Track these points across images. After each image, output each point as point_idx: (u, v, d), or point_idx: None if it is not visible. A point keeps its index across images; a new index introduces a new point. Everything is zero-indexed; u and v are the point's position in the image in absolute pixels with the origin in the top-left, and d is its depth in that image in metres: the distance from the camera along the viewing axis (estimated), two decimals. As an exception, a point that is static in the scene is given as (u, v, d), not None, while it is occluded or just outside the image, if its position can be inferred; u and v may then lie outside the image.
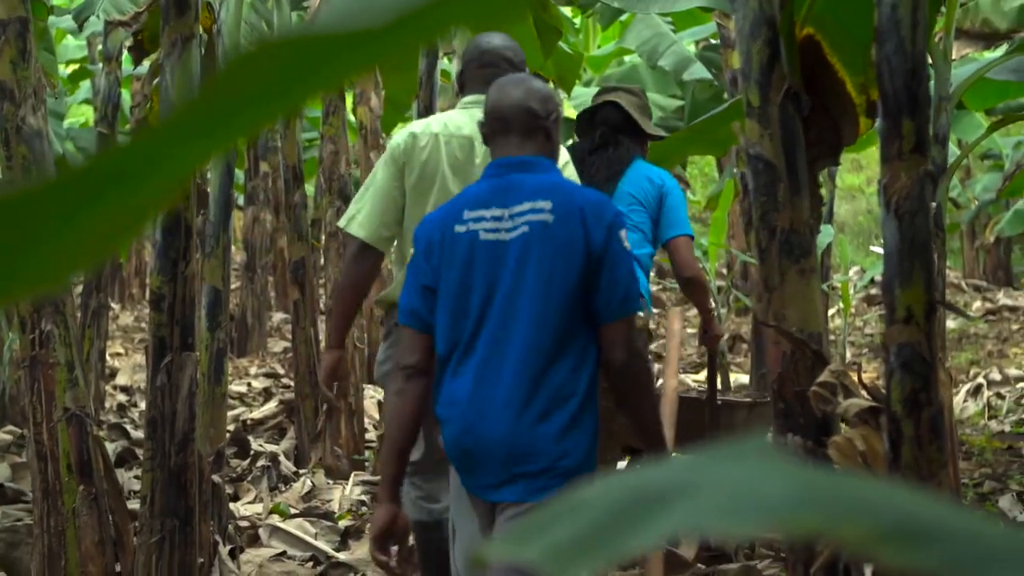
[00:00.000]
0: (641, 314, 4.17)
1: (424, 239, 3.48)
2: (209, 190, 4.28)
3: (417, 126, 4.43)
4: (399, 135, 4.41)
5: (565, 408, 3.26)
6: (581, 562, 0.79)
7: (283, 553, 5.19)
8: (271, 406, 8.58)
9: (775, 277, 2.96)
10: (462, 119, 4.32)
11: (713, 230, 9.58)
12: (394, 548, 3.44)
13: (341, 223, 4.50)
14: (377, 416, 8.01)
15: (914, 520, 0.76)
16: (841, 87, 3.16)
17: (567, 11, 10.56)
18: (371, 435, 7.65)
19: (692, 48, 12.01)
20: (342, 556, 5.16)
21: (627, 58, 14.39)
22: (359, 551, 5.22)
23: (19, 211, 0.62)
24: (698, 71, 10.03)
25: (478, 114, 3.70)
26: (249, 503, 5.96)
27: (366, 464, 7.24)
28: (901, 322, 2.60)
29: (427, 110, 7.36)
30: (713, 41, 11.84)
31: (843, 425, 2.96)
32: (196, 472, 3.91)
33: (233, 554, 4.46)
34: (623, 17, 10.95)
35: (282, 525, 5.45)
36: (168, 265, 3.83)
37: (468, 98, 4.35)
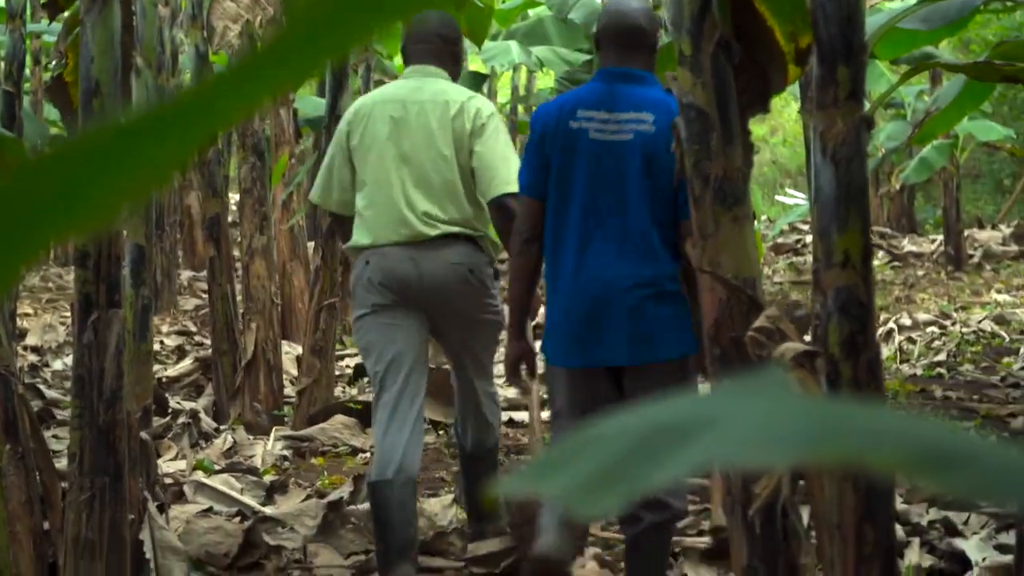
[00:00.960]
0: None
1: (540, 128, 4.30)
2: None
3: (360, 100, 5.32)
4: (351, 109, 5.25)
5: (665, 285, 4.07)
6: (604, 496, 0.80)
7: (209, 509, 5.19)
8: (186, 363, 8.55)
9: (709, 224, 2.99)
10: (397, 86, 5.19)
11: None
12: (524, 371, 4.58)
13: (311, 197, 5.38)
14: (295, 372, 7.99)
15: (941, 446, 0.78)
16: (770, 35, 3.18)
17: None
18: (289, 391, 7.63)
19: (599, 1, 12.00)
20: (268, 510, 5.16)
21: (531, 11, 14.37)
22: (285, 505, 5.23)
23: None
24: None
25: (413, 83, 4.99)
26: (171, 460, 5.95)
27: (285, 420, 7.23)
28: (838, 266, 2.63)
29: (341, 67, 7.32)
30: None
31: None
32: (125, 429, 3.89)
33: (161, 510, 4.44)
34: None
35: (206, 481, 5.44)
36: (93, 223, 3.79)
37: (408, 69, 5.18)
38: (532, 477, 0.89)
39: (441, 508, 5.12)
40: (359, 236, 5.01)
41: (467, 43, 16.24)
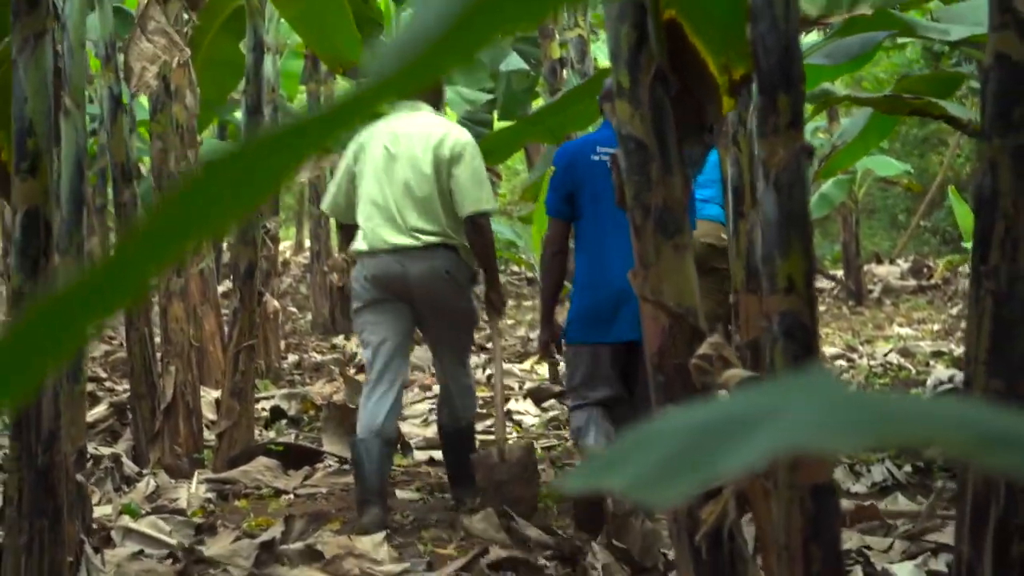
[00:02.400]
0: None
1: (565, 164, 5.72)
2: (61, 189, 4.24)
3: (362, 131, 6.23)
4: (356, 138, 6.26)
5: None
6: (672, 486, 0.83)
7: (140, 552, 5.16)
8: (101, 409, 8.47)
9: (651, 254, 3.05)
10: (390, 120, 6.19)
11: (537, 219, 9.68)
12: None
13: (323, 207, 6.67)
14: (213, 417, 7.96)
15: (997, 428, 0.82)
16: (703, 68, 3.24)
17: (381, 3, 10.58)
18: (208, 435, 7.60)
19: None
20: (205, 551, 5.14)
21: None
22: (215, 547, 5.21)
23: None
24: (515, 62, 10.14)
25: (404, 116, 6.15)
26: (96, 505, 5.90)
27: (205, 463, 7.20)
28: (782, 292, 2.69)
29: (256, 106, 7.33)
30: (526, 33, 11.93)
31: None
32: (62, 471, 3.87)
33: (96, 552, 4.42)
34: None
35: (134, 525, 5.41)
36: (28, 264, 3.78)
37: (399, 104, 6.14)
38: (598, 471, 0.93)
39: (373, 546, 5.13)
40: (358, 244, 6.14)
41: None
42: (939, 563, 4.82)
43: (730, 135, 5.38)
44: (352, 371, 10.44)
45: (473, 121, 17.03)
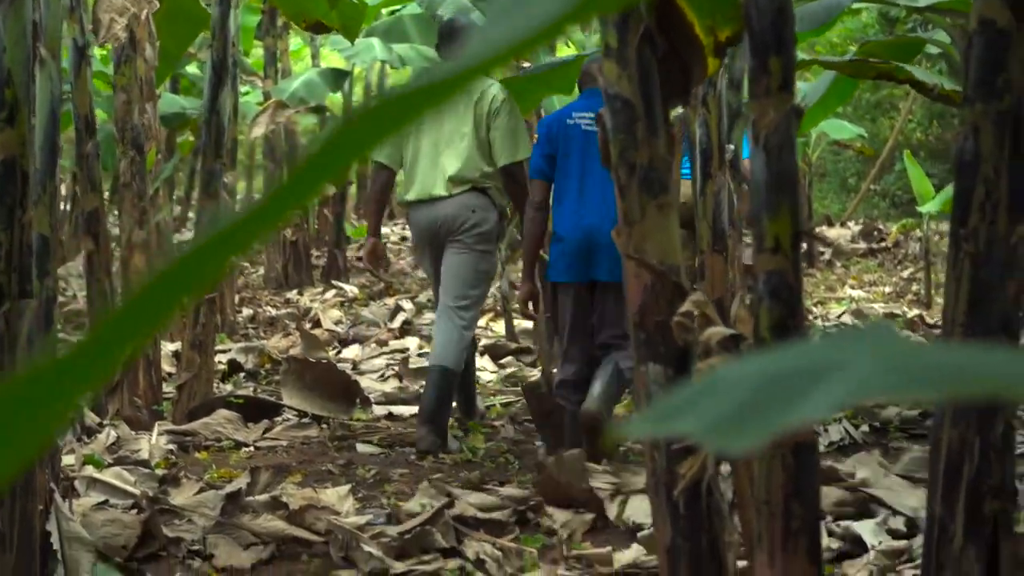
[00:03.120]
0: None
1: (546, 130, 6.54)
2: (35, 138, 4.22)
3: None
4: None
5: None
6: (744, 432, 0.86)
7: (105, 502, 5.17)
8: (59, 360, 8.42)
9: (635, 212, 3.07)
10: None
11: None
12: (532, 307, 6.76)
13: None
14: (172, 370, 7.96)
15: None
16: (690, 29, 3.27)
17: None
18: (167, 387, 7.60)
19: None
20: (171, 500, 5.15)
21: (384, 10, 14.32)
22: (180, 498, 5.22)
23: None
24: (478, 20, 10.09)
25: None
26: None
27: (164, 415, 7.20)
28: (769, 251, 2.72)
29: (221, 61, 7.31)
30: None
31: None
32: (35, 420, 3.86)
33: (64, 499, 4.43)
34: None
35: (98, 475, 5.41)
36: (4, 212, 3.78)
37: None
38: (664, 417, 0.95)
39: (338, 498, 5.15)
40: (405, 193, 6.97)
41: (330, 41, 16.24)
42: (898, 522, 4.88)
43: (699, 96, 5.40)
44: (308, 325, 10.45)
45: (429, 78, 17.03)
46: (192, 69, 19.05)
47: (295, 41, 22.03)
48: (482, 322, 11.25)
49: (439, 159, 6.75)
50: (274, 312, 12.13)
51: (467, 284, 6.82)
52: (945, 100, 6.01)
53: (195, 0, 9.05)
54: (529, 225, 6.55)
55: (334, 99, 17.88)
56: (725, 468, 3.16)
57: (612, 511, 5.24)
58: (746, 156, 7.19)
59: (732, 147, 5.76)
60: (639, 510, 5.12)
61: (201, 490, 5.33)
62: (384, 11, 14.01)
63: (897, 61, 6.10)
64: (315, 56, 22.46)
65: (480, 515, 5.11)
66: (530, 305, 6.78)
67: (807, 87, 8.52)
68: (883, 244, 16.85)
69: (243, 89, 17.07)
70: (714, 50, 3.31)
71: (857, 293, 12.50)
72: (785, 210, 2.71)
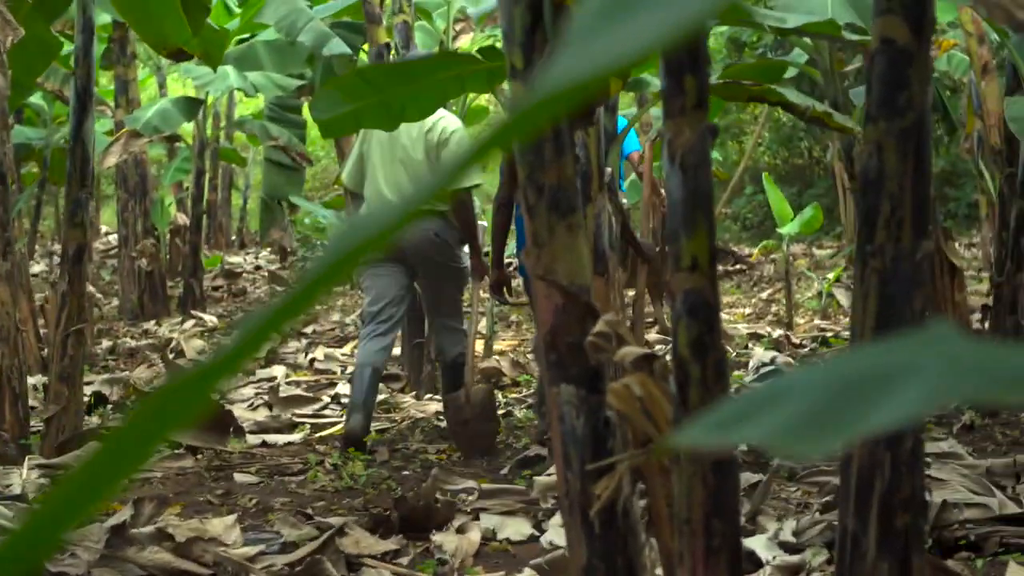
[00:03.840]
0: None
1: None
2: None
3: None
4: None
5: None
6: (821, 440, 0.85)
7: (-16, 539, 5.04)
8: (-84, 396, 8.23)
9: (544, 233, 3.06)
10: None
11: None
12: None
13: (343, 178, 8.06)
14: (35, 403, 7.80)
15: None
16: (592, 50, 3.28)
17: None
18: (35, 422, 7.45)
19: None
20: (55, 538, 5.03)
21: (235, 37, 14.19)
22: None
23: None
24: (337, 46, 10.07)
25: None
26: (-74, 492, 5.75)
27: (32, 449, 7.05)
28: (687, 270, 2.72)
29: (85, 89, 7.20)
30: (346, 19, 11.86)
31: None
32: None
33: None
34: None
35: (-26, 512, 5.27)
36: None
37: None
38: (724, 425, 0.94)
39: (224, 529, 5.07)
40: (363, 211, 7.51)
41: (180, 69, 16.03)
42: (786, 533, 4.91)
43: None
44: (171, 356, 10.31)
45: (282, 107, 16.93)
46: (35, 99, 18.77)
47: (141, 71, 21.80)
48: (346, 349, 11.20)
49: (397, 183, 7.46)
50: (133, 343, 11.96)
51: (450, 299, 7.78)
52: (817, 122, 6.09)
53: (47, 28, 8.92)
54: (497, 218, 7.38)
55: (185, 129, 17.69)
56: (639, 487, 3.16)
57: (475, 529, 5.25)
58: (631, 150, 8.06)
59: (610, 170, 5.79)
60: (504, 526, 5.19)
61: (80, 524, 5.21)
62: (234, 39, 13.89)
63: (766, 83, 6.18)
64: (162, 85, 22.25)
65: (368, 542, 5.07)
66: (504, 291, 7.54)
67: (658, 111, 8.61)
68: (738, 267, 17.06)
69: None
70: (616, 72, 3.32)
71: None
72: (702, 228, 2.72)
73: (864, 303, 3.15)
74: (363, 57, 13.22)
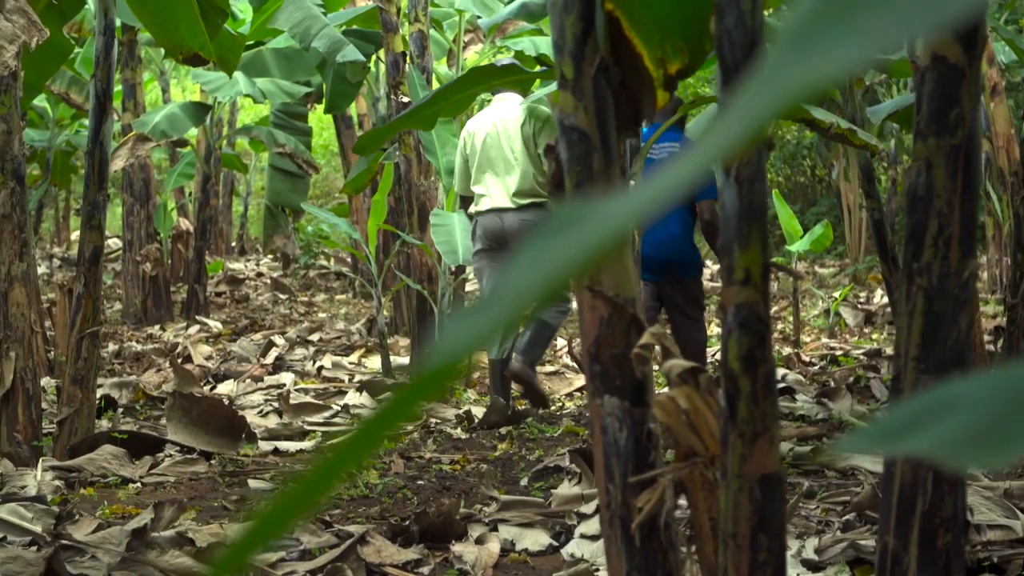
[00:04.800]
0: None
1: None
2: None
3: (468, 122, 8.62)
4: (465, 129, 8.62)
5: (691, 242, 8.23)
6: (993, 452, 0.84)
7: (2, 539, 5.03)
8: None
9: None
10: (489, 110, 8.53)
11: (374, 213, 9.66)
12: None
13: (455, 188, 8.89)
14: (46, 407, 7.78)
15: None
16: (640, 61, 3.27)
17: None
18: (47, 424, 7.43)
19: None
20: (76, 536, 5.02)
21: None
22: (78, 534, 5.09)
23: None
24: (351, 53, 10.06)
25: (497, 106, 8.50)
26: (-58, 493, 5.73)
27: (45, 451, 7.03)
28: (739, 283, 2.71)
29: (105, 92, 7.19)
30: (355, 27, 11.87)
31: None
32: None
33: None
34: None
35: (-8, 512, 5.26)
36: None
37: (495, 96, 8.57)
38: (891, 434, 0.93)
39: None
40: (474, 207, 8.40)
41: (182, 74, 15.97)
42: (808, 551, 4.90)
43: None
44: (179, 360, 10.29)
45: (288, 114, 16.94)
46: (38, 101, 18.76)
47: (151, 71, 21.82)
48: (353, 358, 11.19)
49: (504, 178, 8.20)
50: (139, 347, 11.93)
51: None
52: (840, 139, 6.09)
53: (59, 30, 8.90)
54: None
55: (191, 134, 17.71)
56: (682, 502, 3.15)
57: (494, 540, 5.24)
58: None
59: (633, 183, 5.78)
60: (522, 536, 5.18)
61: (100, 526, 5.20)
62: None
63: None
64: (165, 90, 22.25)
65: (389, 551, 5.05)
66: None
67: (691, 125, 8.63)
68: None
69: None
70: (664, 83, 3.30)
71: (719, 330, 12.59)
72: (756, 241, 2.70)
73: (910, 320, 3.15)
74: (381, 66, 13.26)
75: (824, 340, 11.80)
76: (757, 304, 2.71)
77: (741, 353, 2.72)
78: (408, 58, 9.87)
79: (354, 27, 11.95)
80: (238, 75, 14.08)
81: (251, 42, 13.88)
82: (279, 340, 11.59)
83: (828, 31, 0.72)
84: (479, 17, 11.71)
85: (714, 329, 12.94)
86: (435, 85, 12.29)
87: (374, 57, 12.52)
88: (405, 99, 9.72)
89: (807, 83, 0.70)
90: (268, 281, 19.51)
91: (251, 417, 8.06)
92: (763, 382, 2.72)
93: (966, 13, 0.67)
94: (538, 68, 7.80)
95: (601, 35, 3.10)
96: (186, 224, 17.26)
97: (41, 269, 19.23)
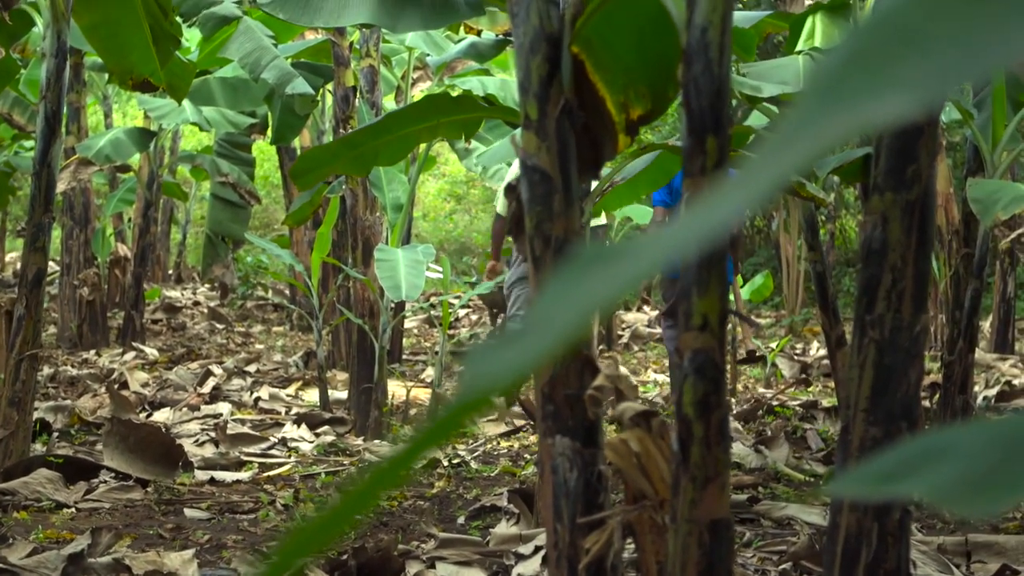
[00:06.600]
0: None
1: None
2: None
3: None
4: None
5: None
6: (989, 499, 0.85)
7: (-60, 559, 4.99)
8: None
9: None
10: None
11: (318, 245, 9.65)
12: None
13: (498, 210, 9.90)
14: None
15: None
16: (602, 105, 3.30)
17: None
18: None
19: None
20: (10, 558, 4.98)
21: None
22: (12, 556, 5.05)
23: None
24: (300, 86, 10.05)
25: None
26: None
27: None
28: (697, 329, 2.73)
29: (54, 113, 7.17)
30: (304, 60, 11.86)
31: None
32: None
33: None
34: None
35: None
36: None
37: None
38: (883, 478, 0.94)
39: (181, 563, 5.03)
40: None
41: (131, 102, 15.90)
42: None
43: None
44: (116, 386, 10.23)
45: (232, 144, 16.89)
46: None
47: (93, 95, 21.70)
48: (291, 390, 11.16)
49: None
50: (74, 372, 11.84)
51: None
52: (788, 191, 6.14)
53: (7, 51, 8.87)
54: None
55: (134, 160, 17.62)
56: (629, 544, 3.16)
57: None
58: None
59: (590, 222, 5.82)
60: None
61: (35, 550, 5.16)
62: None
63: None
64: (108, 115, 22.14)
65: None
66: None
67: (627, 167, 8.68)
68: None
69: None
70: (625, 127, 3.34)
71: (660, 377, 12.64)
72: (715, 288, 2.72)
73: (860, 372, 3.18)
74: (328, 99, 13.26)
75: (761, 390, 11.86)
76: (713, 350, 2.73)
77: (696, 398, 2.74)
78: (358, 93, 9.88)
79: (303, 60, 11.93)
80: (184, 103, 14.04)
81: (198, 70, 13.85)
82: (217, 370, 11.54)
83: (862, 81, 0.72)
84: (429, 55, 11.76)
85: (650, 375, 12.99)
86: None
87: (321, 90, 12.50)
88: (353, 133, 9.73)
89: (838, 134, 0.70)
90: (205, 310, 19.41)
91: (188, 446, 8.02)
92: (716, 428, 2.74)
93: (1006, 60, 0.68)
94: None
95: (566, 78, 3.12)
96: (124, 250, 17.15)
97: (-26, 290, 19.06)
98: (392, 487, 0.77)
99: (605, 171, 8.24)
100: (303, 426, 8.97)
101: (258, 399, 10.32)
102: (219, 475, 7.35)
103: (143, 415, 9.41)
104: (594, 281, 0.75)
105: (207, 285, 24.18)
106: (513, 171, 9.03)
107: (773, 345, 13.67)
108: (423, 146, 10.63)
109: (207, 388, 10.64)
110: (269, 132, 14.09)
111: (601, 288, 0.74)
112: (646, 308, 18.87)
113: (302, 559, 0.76)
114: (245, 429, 8.75)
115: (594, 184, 7.24)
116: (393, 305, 9.52)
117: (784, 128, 0.74)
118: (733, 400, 10.99)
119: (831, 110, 0.72)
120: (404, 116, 5.83)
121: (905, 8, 0.73)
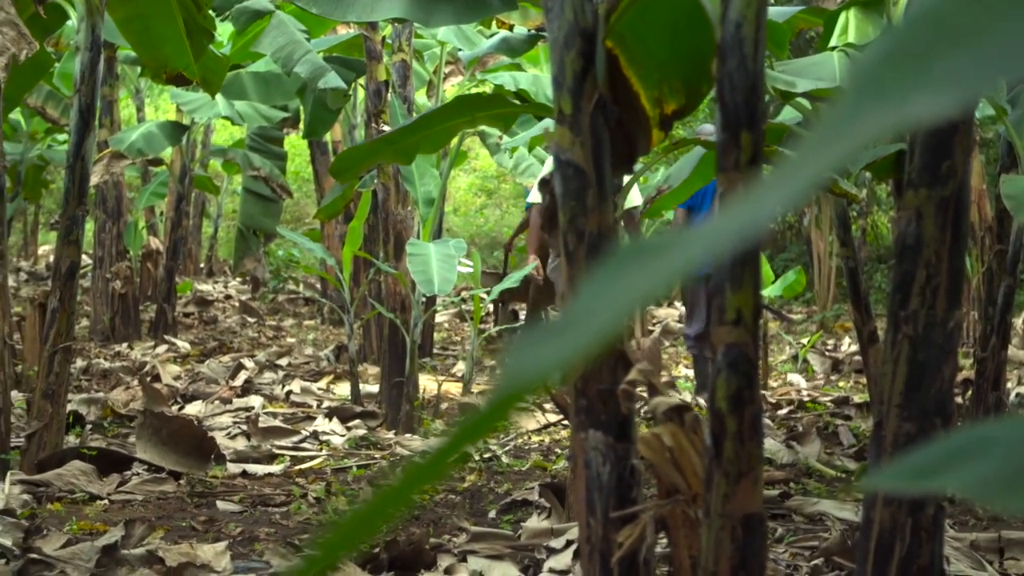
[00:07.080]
0: None
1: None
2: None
3: None
4: None
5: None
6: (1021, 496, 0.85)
7: (-29, 553, 5.02)
8: None
9: (583, 279, 3.07)
10: None
11: (350, 239, 9.66)
12: None
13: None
14: (14, 420, 7.75)
15: None
16: (636, 100, 3.30)
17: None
18: (14, 438, 7.41)
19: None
20: (45, 550, 5.00)
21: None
22: (52, 548, 5.08)
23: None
24: (333, 80, 10.07)
25: None
26: (-89, 503, 5.70)
27: (11, 464, 7.00)
28: (731, 323, 2.73)
29: (88, 106, 7.19)
30: (337, 54, 11.89)
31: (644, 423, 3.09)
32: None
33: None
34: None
35: (-40, 524, 5.24)
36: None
37: None
38: (920, 472, 0.94)
39: (214, 555, 5.05)
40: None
41: (163, 96, 15.96)
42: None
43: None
44: (148, 379, 10.27)
45: (264, 138, 16.93)
46: (12, 115, 18.72)
47: (127, 87, 21.78)
48: (323, 384, 11.18)
49: None
50: (107, 365, 11.89)
51: None
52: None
53: (41, 44, 8.90)
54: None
55: (166, 154, 17.68)
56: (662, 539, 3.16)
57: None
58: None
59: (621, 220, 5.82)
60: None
61: (69, 542, 5.19)
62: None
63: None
64: (140, 108, 22.20)
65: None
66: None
67: (672, 168, 8.67)
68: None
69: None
70: (659, 122, 3.34)
71: (691, 372, 12.62)
72: (748, 283, 2.72)
73: (894, 368, 3.16)
74: (359, 93, 13.28)
75: (794, 383, 11.85)
76: (747, 345, 2.73)
77: (729, 393, 2.74)
78: (390, 87, 9.90)
79: (336, 54, 11.95)
80: (217, 96, 14.07)
81: (231, 65, 13.88)
82: (248, 363, 11.57)
83: (901, 79, 0.72)
84: (460, 50, 11.76)
85: (680, 370, 12.97)
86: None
87: (353, 84, 12.52)
88: (386, 127, 9.74)
89: (877, 132, 0.70)
90: (236, 304, 19.47)
91: (220, 439, 8.04)
92: (750, 422, 2.74)
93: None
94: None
95: (600, 73, 3.12)
96: (156, 243, 17.22)
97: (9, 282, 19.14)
98: (432, 482, 0.77)
99: (637, 166, 8.25)
100: (334, 420, 8.99)
101: (289, 392, 10.34)
102: (251, 468, 7.38)
103: (175, 408, 9.44)
104: (633, 276, 0.75)
105: (239, 279, 24.28)
106: (548, 166, 8.65)
107: (804, 341, 13.64)
108: (455, 141, 10.64)
109: (239, 381, 10.67)
110: (301, 126, 14.11)
111: (640, 284, 0.74)
112: (677, 303, 18.84)
113: (342, 554, 0.77)
114: (277, 422, 8.77)
115: (626, 178, 7.25)
116: (424, 299, 9.53)
117: (823, 125, 0.74)
118: (766, 393, 10.99)
119: (870, 107, 0.72)
120: (437, 116, 5.85)
121: (943, 4, 0.73)
